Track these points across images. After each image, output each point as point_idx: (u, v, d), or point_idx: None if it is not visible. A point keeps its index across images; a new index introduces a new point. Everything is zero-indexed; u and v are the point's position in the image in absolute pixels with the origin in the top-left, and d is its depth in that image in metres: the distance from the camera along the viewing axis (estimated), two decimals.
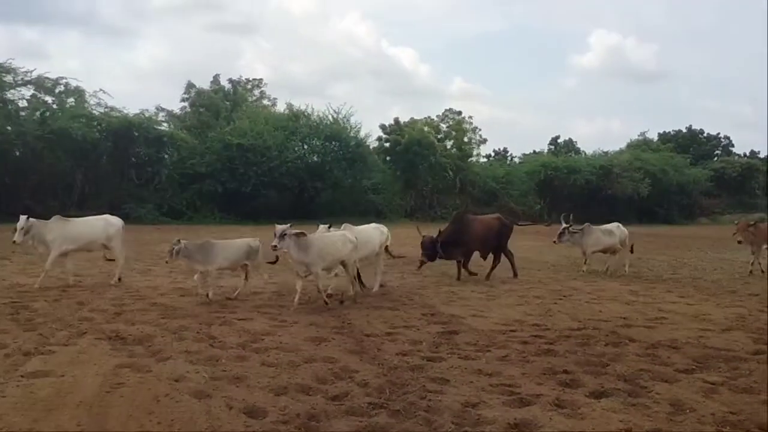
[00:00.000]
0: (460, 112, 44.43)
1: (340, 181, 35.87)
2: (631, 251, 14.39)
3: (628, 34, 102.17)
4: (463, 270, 12.41)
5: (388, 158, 40.13)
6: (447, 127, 43.79)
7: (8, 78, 31.86)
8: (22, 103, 33.23)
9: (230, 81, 43.58)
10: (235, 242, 9.80)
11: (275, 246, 8.53)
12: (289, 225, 8.73)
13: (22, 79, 32.41)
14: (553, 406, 4.88)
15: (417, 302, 9.52)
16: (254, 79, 46.19)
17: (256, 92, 45.76)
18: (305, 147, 36.78)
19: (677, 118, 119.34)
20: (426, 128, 40.94)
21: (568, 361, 6.17)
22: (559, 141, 62.09)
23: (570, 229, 13.63)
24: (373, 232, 10.67)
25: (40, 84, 33.09)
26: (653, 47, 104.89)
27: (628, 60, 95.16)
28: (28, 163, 30.24)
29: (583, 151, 56.49)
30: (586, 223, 14.02)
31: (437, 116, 44.49)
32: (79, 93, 34.36)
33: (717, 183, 49.40)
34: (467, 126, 44.23)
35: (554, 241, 13.88)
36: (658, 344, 6.93)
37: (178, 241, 9.14)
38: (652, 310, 9.22)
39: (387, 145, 39.53)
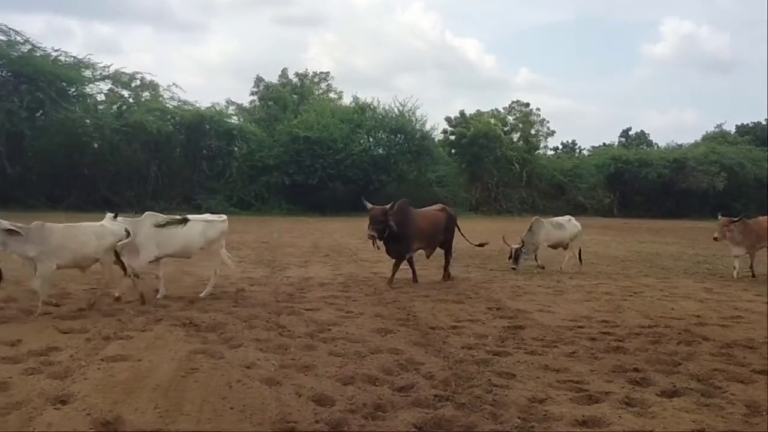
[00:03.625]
0: (527, 104, 43.85)
1: (405, 174, 35.97)
2: (580, 258, 13.11)
3: (702, 23, 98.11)
4: (414, 271, 10.97)
5: (453, 151, 39.96)
6: (514, 119, 43.26)
7: (87, 73, 33.31)
8: (100, 97, 34.83)
9: (297, 75, 44.23)
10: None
11: None
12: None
13: (100, 73, 33.85)
14: (622, 404, 4.79)
15: (482, 296, 9.47)
16: (321, 73, 46.80)
17: (323, 85, 46.32)
18: (371, 140, 37.02)
19: (756, 109, 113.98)
20: (492, 120, 40.55)
21: (639, 359, 6.04)
22: (630, 133, 60.21)
23: (523, 249, 12.21)
24: (196, 226, 8.91)
25: (117, 78, 34.47)
26: (728, 36, 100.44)
27: (703, 49, 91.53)
28: (106, 155, 31.54)
29: (655, 143, 54.84)
30: (535, 217, 13.26)
31: (504, 108, 44.05)
32: (153, 87, 35.67)
33: None
34: (534, 118, 43.60)
35: (513, 268, 12.16)
36: (733, 344, 6.70)
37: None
38: (728, 308, 8.90)
39: (452, 137, 39.34)
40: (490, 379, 5.23)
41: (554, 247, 12.94)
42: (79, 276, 10.08)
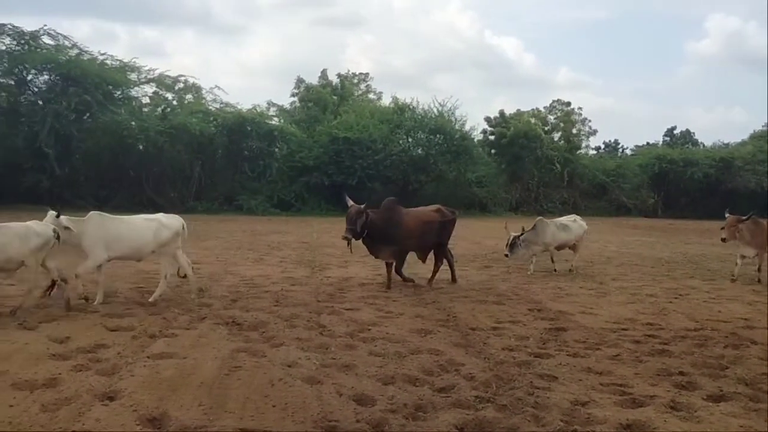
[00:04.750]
0: (568, 103, 43.21)
1: (444, 174, 35.82)
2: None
3: (749, 18, 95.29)
4: (408, 275, 10.51)
5: (493, 151, 39.62)
6: (555, 118, 42.71)
7: (133, 76, 34.04)
8: (145, 100, 35.53)
9: (338, 75, 44.45)
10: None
11: None
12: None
13: (145, 76, 34.56)
14: (667, 408, 4.71)
15: (523, 297, 9.39)
16: (360, 73, 46.92)
17: (362, 86, 46.43)
18: (410, 140, 36.96)
19: None
20: (532, 120, 40.11)
21: (684, 363, 5.92)
22: (675, 132, 58.86)
23: (521, 237, 11.54)
24: (148, 227, 8.43)
25: (161, 81, 35.15)
26: None
27: (749, 46, 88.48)
28: (150, 156, 32.16)
29: (701, 142, 53.39)
30: (539, 218, 12.46)
31: (544, 107, 43.49)
32: (196, 89, 36.28)
33: None
34: (576, 117, 42.96)
35: (506, 255, 11.66)
36: None
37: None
38: None
39: (492, 137, 39.00)
40: (531, 381, 5.19)
41: (559, 248, 12.32)
42: (127, 275, 10.36)
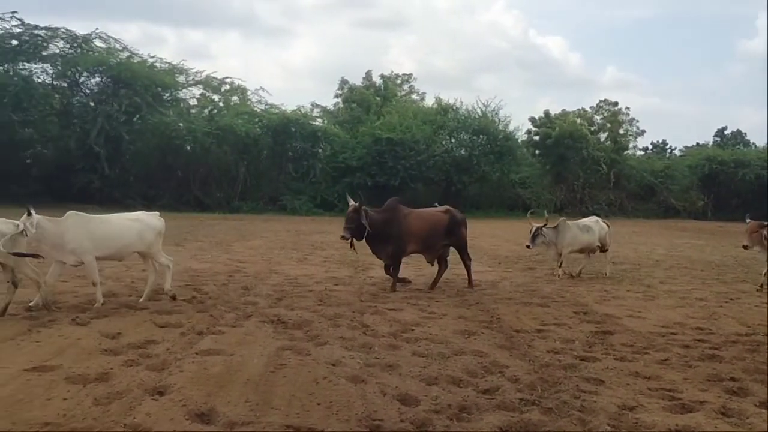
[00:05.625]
0: (615, 103, 42.48)
1: (487, 175, 35.59)
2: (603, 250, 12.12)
3: None
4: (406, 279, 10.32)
5: (537, 152, 39.21)
6: (601, 118, 42.03)
7: (181, 78, 34.78)
8: (193, 102, 36.30)
9: (381, 77, 44.58)
10: None
11: None
12: None
13: (192, 78, 35.30)
14: (718, 414, 4.59)
15: (568, 300, 9.27)
16: (404, 74, 47.00)
17: (406, 87, 46.49)
18: (453, 141, 36.85)
19: None
20: (578, 120, 39.54)
21: (735, 368, 5.77)
22: (725, 132, 57.45)
23: (545, 228, 11.31)
24: (133, 226, 8.18)
25: (208, 83, 35.85)
26: None
27: None
28: (197, 157, 32.79)
29: (753, 143, 51.96)
30: (561, 218, 12.00)
31: (591, 108, 42.86)
32: (242, 91, 36.90)
33: None
34: (623, 117, 42.22)
35: (527, 246, 11.40)
36: None
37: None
38: None
39: (536, 138, 38.61)
40: (577, 385, 5.12)
41: (581, 251, 11.91)
42: (174, 273, 10.54)
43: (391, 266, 9.84)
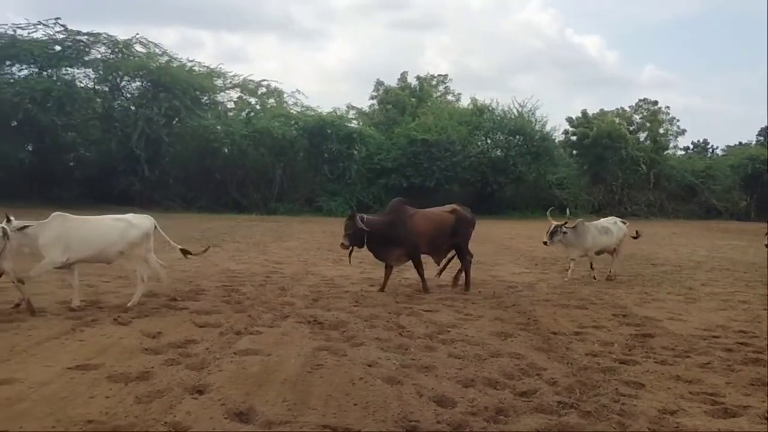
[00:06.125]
0: (655, 102, 41.79)
1: (523, 176, 35.31)
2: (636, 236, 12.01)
3: None
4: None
5: (574, 152, 38.77)
6: (640, 118, 41.36)
7: (219, 82, 35.31)
8: (230, 105, 36.87)
9: (417, 78, 44.56)
10: None
11: None
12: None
13: (230, 82, 35.81)
14: (762, 419, 4.49)
15: (607, 302, 9.14)
16: (439, 75, 46.92)
17: (441, 88, 46.41)
18: (488, 141, 36.67)
19: None
20: (617, 120, 38.97)
21: None
22: None
23: (564, 227, 10.94)
24: (115, 227, 7.94)
25: (245, 86, 36.33)
26: None
27: None
28: (235, 159, 33.22)
29: None
30: (579, 220, 11.55)
31: (630, 107, 42.22)
32: (278, 94, 37.33)
33: None
34: (663, 116, 41.49)
35: (544, 242, 11.07)
36: None
37: None
38: None
39: (574, 138, 38.17)
40: (617, 388, 5.05)
41: (599, 253, 11.56)
42: (212, 273, 10.74)
43: (416, 267, 9.79)
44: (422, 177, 33.20)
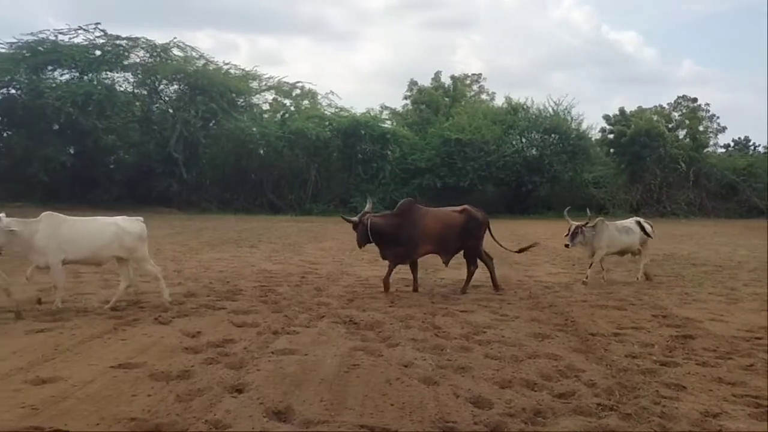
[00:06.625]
0: (695, 99, 41.03)
1: (559, 175, 34.93)
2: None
3: None
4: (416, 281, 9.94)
5: (611, 150, 38.21)
6: (679, 115, 40.60)
7: (254, 84, 35.76)
8: (265, 106, 37.30)
9: (451, 77, 44.42)
10: None
11: None
12: None
13: (265, 84, 36.26)
14: None
15: (646, 303, 8.99)
16: (473, 74, 46.71)
17: (475, 87, 46.18)
18: (523, 140, 36.35)
19: None
20: (655, 117, 38.29)
21: None
22: None
23: (586, 226, 10.64)
24: (107, 229, 7.88)
25: (280, 88, 36.74)
26: None
27: None
28: (271, 160, 33.59)
29: None
30: (599, 218, 11.14)
31: (668, 104, 41.48)
32: (312, 95, 37.66)
33: None
34: (703, 114, 40.68)
35: (566, 245, 10.78)
36: None
37: None
38: None
39: (611, 136, 37.62)
40: (657, 390, 4.97)
41: (620, 254, 11.31)
42: (249, 274, 10.87)
43: (403, 264, 9.74)
44: (456, 177, 33.09)
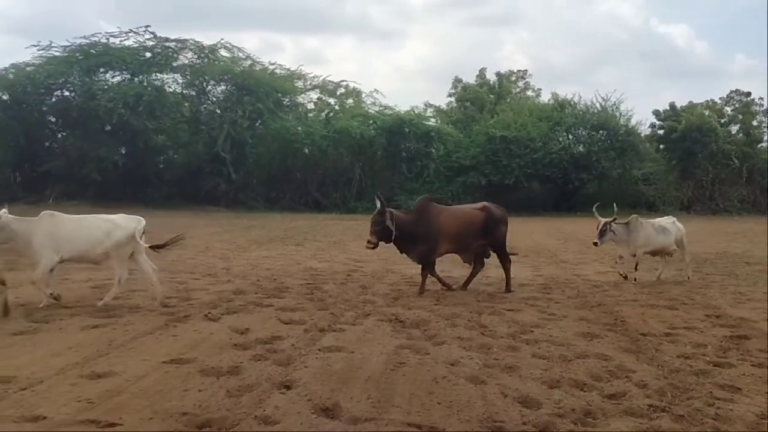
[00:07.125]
0: (748, 93, 39.71)
1: (607, 172, 34.35)
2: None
3: None
4: (442, 280, 9.64)
5: (662, 146, 37.37)
6: (732, 110, 39.43)
7: (299, 83, 36.14)
8: (310, 106, 37.66)
9: (497, 74, 44.05)
10: None
11: None
12: None
13: (310, 83, 36.61)
14: None
15: (698, 302, 8.77)
16: (519, 71, 46.23)
17: (521, 84, 45.71)
18: (570, 137, 35.90)
19: None
20: (707, 112, 37.30)
21: None
22: None
23: (614, 223, 10.29)
24: (101, 227, 7.82)
25: (325, 87, 37.04)
26: None
27: None
28: (315, 159, 33.89)
29: None
30: (633, 216, 10.75)
31: (720, 99, 40.30)
32: (356, 94, 37.86)
33: None
34: (756, 108, 39.40)
35: (594, 243, 10.47)
36: None
37: None
38: None
39: (661, 132, 36.81)
40: (711, 392, 4.85)
41: (654, 254, 10.88)
42: (296, 272, 10.99)
43: (422, 267, 9.40)
44: (501, 174, 32.84)
